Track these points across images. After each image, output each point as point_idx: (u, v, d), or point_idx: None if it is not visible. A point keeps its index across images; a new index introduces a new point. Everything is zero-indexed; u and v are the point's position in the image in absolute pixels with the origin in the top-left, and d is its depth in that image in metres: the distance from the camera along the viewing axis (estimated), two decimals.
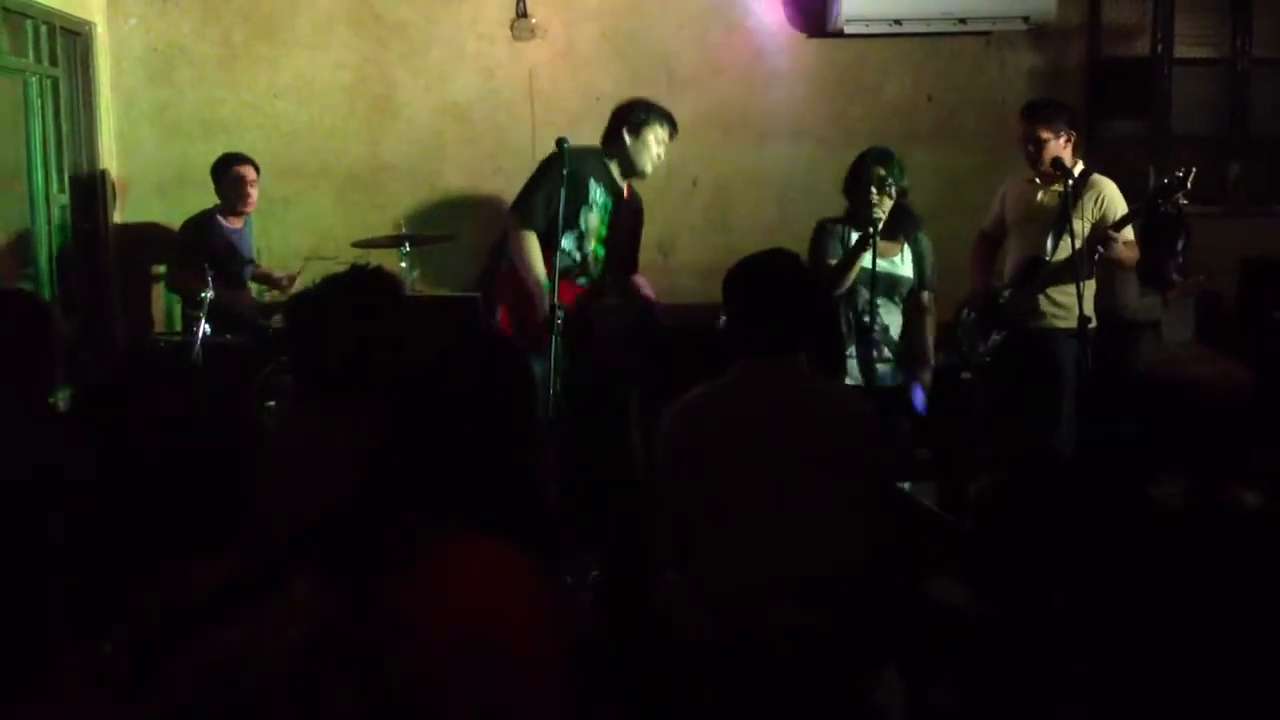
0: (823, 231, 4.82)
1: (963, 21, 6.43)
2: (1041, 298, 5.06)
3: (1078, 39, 6.78)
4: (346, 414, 2.06)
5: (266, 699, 1.30)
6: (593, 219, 4.86)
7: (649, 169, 4.93)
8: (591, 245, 4.85)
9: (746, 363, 3.01)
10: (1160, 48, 6.89)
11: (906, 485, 3.68)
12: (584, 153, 4.81)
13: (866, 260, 4.49)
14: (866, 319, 4.62)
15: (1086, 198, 5.03)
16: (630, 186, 5.08)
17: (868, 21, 6.41)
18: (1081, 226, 5.00)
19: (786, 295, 3.02)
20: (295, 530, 1.53)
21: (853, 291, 4.65)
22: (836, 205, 5.02)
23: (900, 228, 4.73)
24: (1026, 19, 6.46)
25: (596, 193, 4.86)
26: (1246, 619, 2.45)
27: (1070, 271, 4.81)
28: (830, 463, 2.90)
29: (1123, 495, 2.84)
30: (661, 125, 4.98)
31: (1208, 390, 3.44)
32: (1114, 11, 6.85)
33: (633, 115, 4.95)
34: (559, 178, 4.57)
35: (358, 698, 1.32)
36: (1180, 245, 5.69)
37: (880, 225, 4.51)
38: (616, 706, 3.05)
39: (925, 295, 4.83)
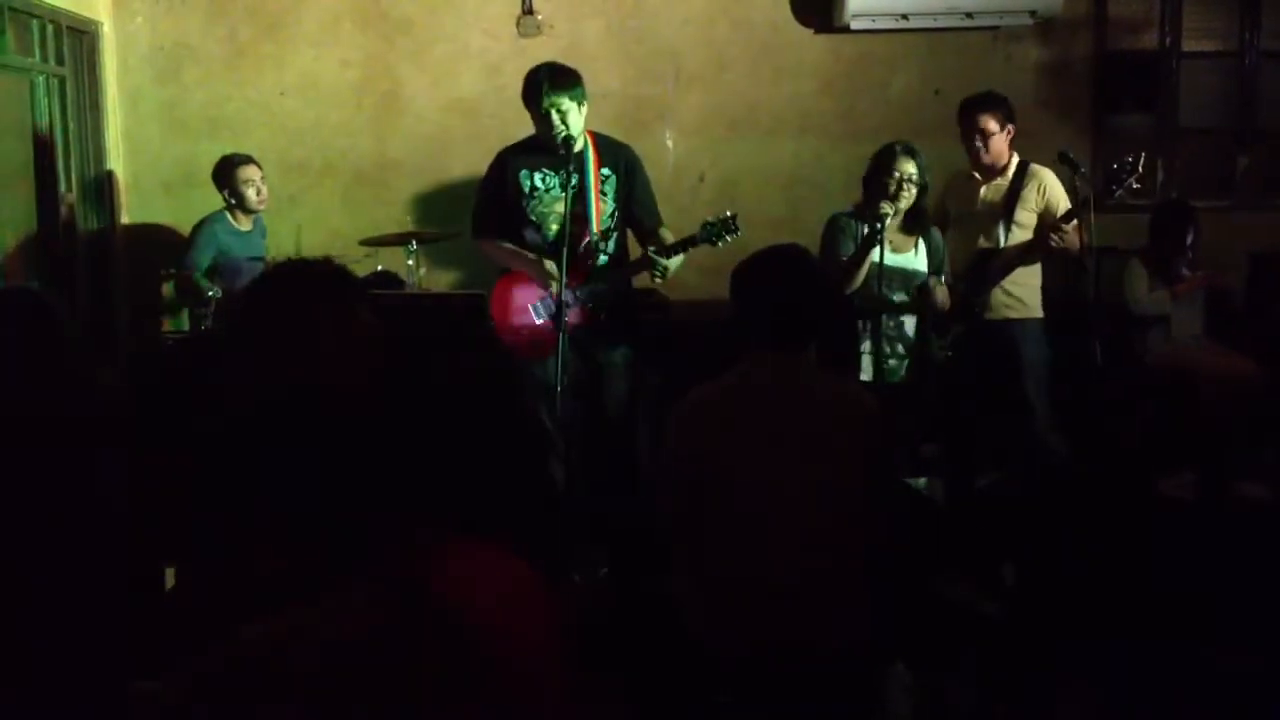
0: (835, 227, 4.79)
1: (969, 16, 6.42)
2: (996, 290, 5.11)
3: (1085, 32, 6.76)
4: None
5: (304, 696, 1.30)
6: (539, 206, 4.79)
7: (555, 139, 4.63)
8: (554, 228, 4.77)
9: (754, 358, 3.01)
10: (1168, 41, 6.86)
11: (915, 481, 3.67)
12: (516, 146, 4.89)
13: (878, 255, 4.49)
14: (881, 316, 4.61)
15: (1029, 188, 5.13)
16: (611, 148, 4.87)
17: (874, 17, 6.41)
18: (1026, 217, 5.14)
19: (794, 290, 3.02)
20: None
21: (867, 287, 4.64)
22: (843, 200, 5.02)
23: (917, 224, 4.72)
24: (1033, 13, 6.45)
25: (535, 179, 4.79)
26: (1255, 613, 2.44)
27: (1023, 261, 4.92)
28: (837, 459, 2.89)
29: (1131, 490, 2.83)
30: (547, 95, 4.63)
31: (1216, 384, 3.43)
32: (1121, 5, 6.82)
33: (525, 97, 4.77)
34: (490, 182, 4.89)
35: (398, 705, 1.32)
36: (1190, 240, 5.69)
37: (887, 222, 4.50)
38: (623, 705, 3.05)
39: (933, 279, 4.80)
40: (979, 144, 5.12)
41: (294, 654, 1.31)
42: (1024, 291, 5.14)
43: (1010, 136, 5.17)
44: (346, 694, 1.30)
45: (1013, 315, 5.14)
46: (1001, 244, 5.11)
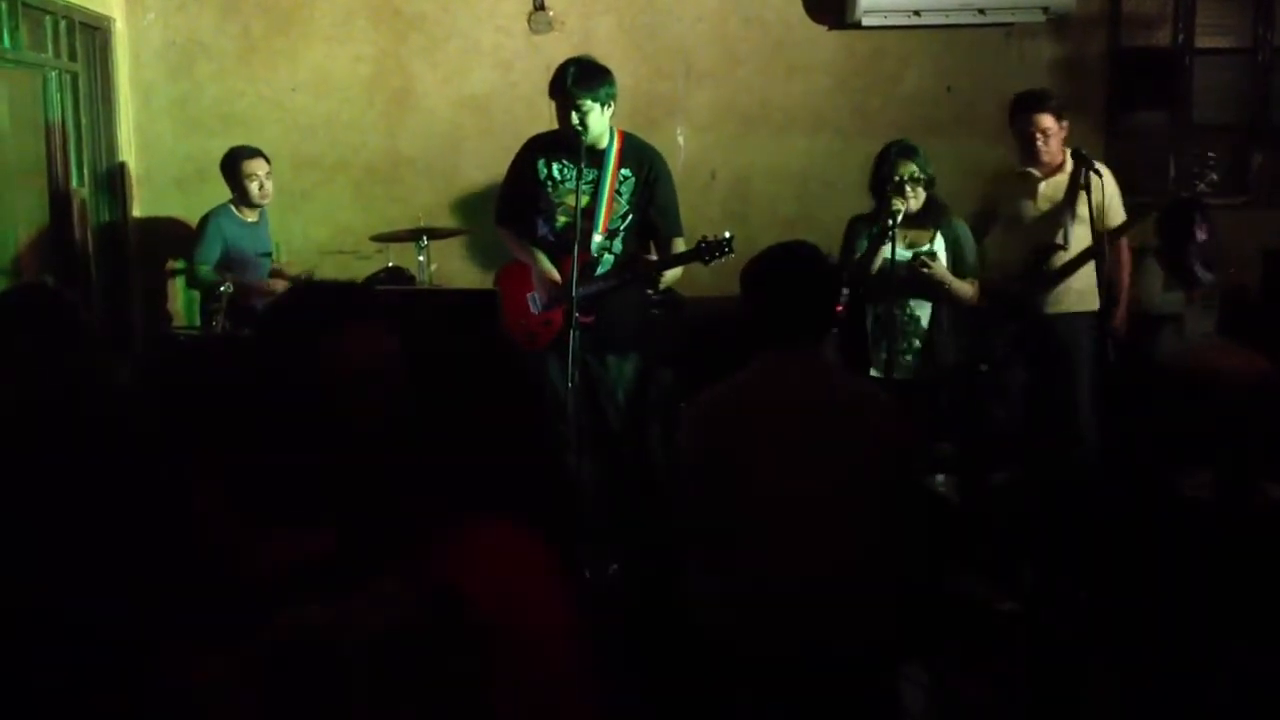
0: (851, 228, 4.83)
1: (982, 12, 6.42)
2: (1061, 285, 5.10)
3: (1098, 29, 6.75)
4: None
5: (340, 684, 1.31)
6: (551, 197, 4.76)
7: (570, 133, 4.59)
8: (561, 220, 4.75)
9: (766, 356, 2.99)
10: (1181, 38, 6.85)
11: (930, 479, 3.66)
12: (542, 135, 4.86)
13: (888, 253, 4.49)
14: (894, 311, 4.61)
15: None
16: (636, 151, 4.82)
17: (886, 13, 6.40)
18: (1085, 211, 5.05)
19: (805, 287, 3.01)
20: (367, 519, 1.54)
21: (881, 285, 4.63)
22: (855, 198, 5.01)
23: (930, 218, 4.71)
24: (1046, 9, 6.44)
25: (553, 169, 4.77)
26: (1274, 612, 2.43)
27: (1089, 257, 4.90)
28: (853, 457, 2.88)
29: (1149, 489, 2.82)
30: (568, 91, 4.59)
31: (1231, 382, 3.41)
32: (1135, 1, 6.81)
33: (549, 89, 4.72)
34: (513, 169, 4.86)
35: (426, 695, 1.33)
36: (1201, 237, 5.65)
37: (899, 219, 4.50)
38: (637, 705, 3.05)
39: (967, 282, 4.77)
40: (1039, 144, 5.09)
41: (336, 640, 1.33)
42: (1086, 286, 5.10)
43: (1065, 131, 5.15)
44: (384, 679, 1.31)
45: (1076, 309, 5.11)
46: (1068, 239, 5.07)
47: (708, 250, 4.56)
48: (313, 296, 1.88)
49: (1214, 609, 2.44)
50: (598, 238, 4.73)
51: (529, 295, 4.81)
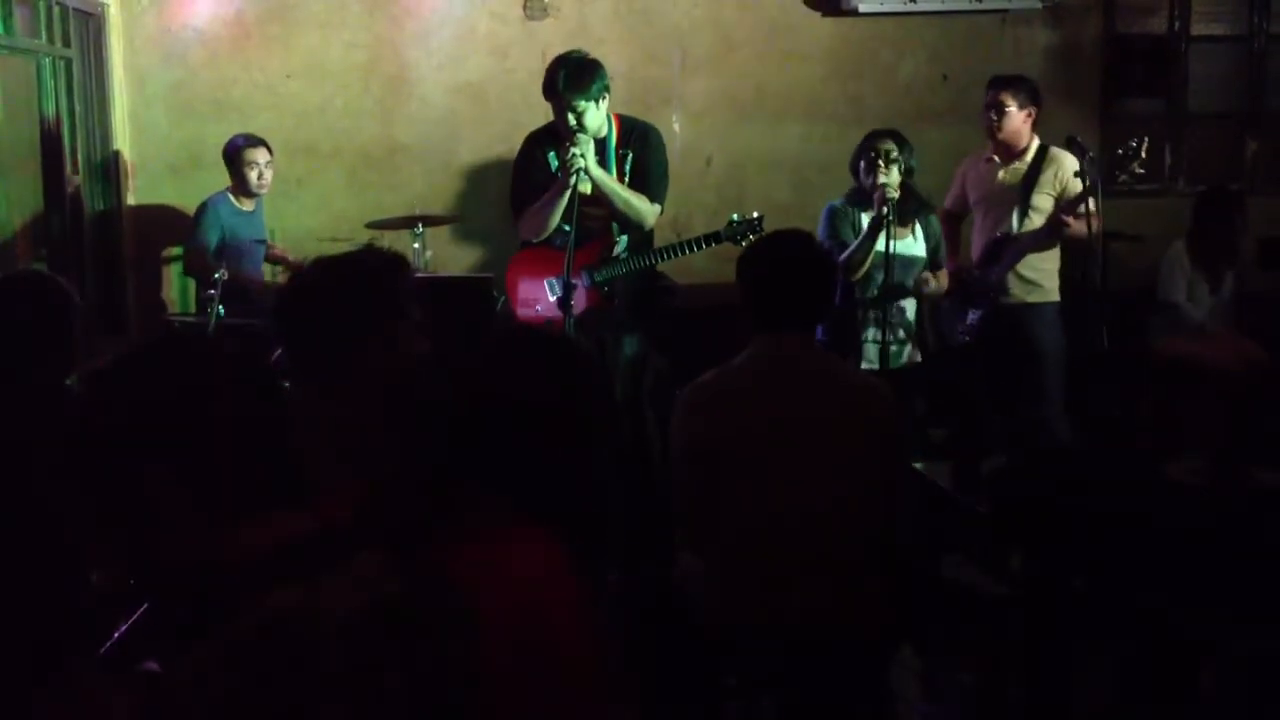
0: (832, 215, 4.84)
1: None
2: (1011, 274, 5.11)
3: (1094, 16, 6.74)
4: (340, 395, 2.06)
5: (320, 665, 1.31)
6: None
7: (569, 134, 4.65)
8: (577, 210, 4.77)
9: (761, 343, 3.01)
10: (1177, 25, 6.85)
11: (921, 465, 3.67)
12: (544, 128, 4.89)
13: (883, 243, 4.52)
14: (888, 302, 4.65)
15: (1047, 173, 5.12)
16: (629, 128, 4.89)
17: (882, 0, 6.40)
18: (1043, 201, 5.12)
19: (801, 274, 3.02)
20: (352, 502, 1.54)
21: (868, 274, 4.67)
22: (850, 185, 5.01)
23: (911, 209, 4.74)
24: None
25: (558, 163, 4.79)
26: (1266, 599, 2.45)
27: (1037, 246, 4.91)
28: (846, 444, 2.89)
29: (1139, 475, 2.83)
30: (562, 95, 4.64)
31: (1224, 370, 3.41)
32: None
33: (544, 91, 4.76)
34: (521, 167, 4.90)
35: (408, 676, 1.33)
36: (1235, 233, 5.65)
37: (895, 204, 4.52)
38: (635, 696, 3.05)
39: (941, 273, 4.86)
40: (994, 119, 5.11)
41: (320, 623, 1.32)
42: (1040, 276, 5.14)
43: (1030, 119, 5.16)
44: (362, 660, 1.31)
45: (1029, 299, 5.13)
46: (1015, 228, 5.09)
47: (738, 229, 4.64)
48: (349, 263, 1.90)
49: (1205, 593, 2.46)
50: (614, 224, 4.79)
51: (547, 281, 4.85)
